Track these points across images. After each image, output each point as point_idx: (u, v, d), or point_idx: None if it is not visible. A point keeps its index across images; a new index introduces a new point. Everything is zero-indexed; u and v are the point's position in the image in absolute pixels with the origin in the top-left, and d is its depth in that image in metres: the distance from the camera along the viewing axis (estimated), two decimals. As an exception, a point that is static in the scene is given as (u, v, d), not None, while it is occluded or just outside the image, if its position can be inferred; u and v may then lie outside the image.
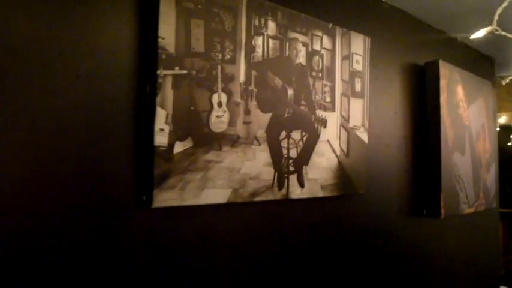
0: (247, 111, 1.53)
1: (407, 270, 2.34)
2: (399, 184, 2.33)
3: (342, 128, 1.90)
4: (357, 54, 1.98)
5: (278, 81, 1.62)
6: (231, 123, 1.48)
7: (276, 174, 1.61)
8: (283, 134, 1.65)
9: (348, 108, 1.93)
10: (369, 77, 2.05)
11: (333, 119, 1.85)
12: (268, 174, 1.58)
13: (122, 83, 1.26)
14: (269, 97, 1.59)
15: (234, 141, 1.48)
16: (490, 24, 2.68)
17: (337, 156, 1.86)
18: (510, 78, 4.24)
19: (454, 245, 2.74)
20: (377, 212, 2.15)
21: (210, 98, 1.42)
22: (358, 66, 1.99)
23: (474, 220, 2.91)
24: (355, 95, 1.97)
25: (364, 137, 2.01)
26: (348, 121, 1.93)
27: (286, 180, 1.65)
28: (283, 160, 1.65)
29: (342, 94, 1.90)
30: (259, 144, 1.56)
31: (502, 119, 5.13)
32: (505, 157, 3.51)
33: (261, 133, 1.57)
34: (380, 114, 2.20)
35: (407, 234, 2.36)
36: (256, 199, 1.54)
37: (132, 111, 1.28)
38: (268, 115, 1.59)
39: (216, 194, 1.42)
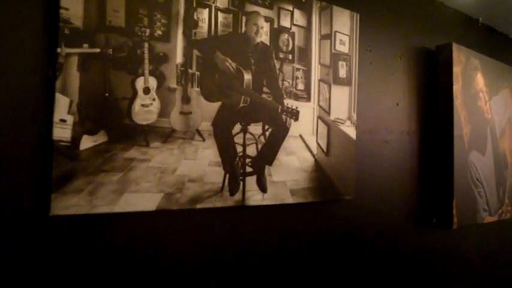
0: (187, 99, 1.26)
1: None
2: (402, 188, 2.00)
3: (320, 121, 1.60)
4: (341, 33, 1.68)
5: (230, 64, 1.35)
6: (163, 113, 1.22)
7: (227, 176, 1.34)
8: (238, 127, 1.38)
9: (328, 97, 1.63)
10: (358, 61, 1.74)
11: (307, 110, 1.56)
12: (215, 176, 1.31)
13: (21, 65, 1.02)
14: (218, 83, 1.32)
15: (166, 136, 1.22)
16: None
17: (313, 154, 1.57)
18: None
19: (473, 258, 2.37)
20: (372, 222, 1.83)
21: (133, 83, 1.17)
22: (343, 48, 1.68)
23: (498, 230, 2.52)
24: (338, 81, 1.67)
25: (351, 132, 1.71)
26: (328, 113, 1.63)
27: (241, 183, 1.38)
28: (238, 159, 1.37)
29: (321, 80, 1.61)
30: (203, 140, 1.29)
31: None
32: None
33: (205, 126, 1.30)
34: (376, 105, 1.89)
35: (412, 247, 2.03)
36: (199, 206, 1.28)
37: (34, 100, 1.04)
38: (216, 104, 1.32)
39: (140, 200, 1.17)
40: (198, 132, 1.28)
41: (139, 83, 1.18)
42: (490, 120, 2.38)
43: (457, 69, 2.15)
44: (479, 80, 2.32)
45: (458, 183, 2.08)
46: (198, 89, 1.28)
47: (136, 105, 1.17)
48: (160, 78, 1.21)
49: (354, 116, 1.72)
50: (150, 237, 1.20)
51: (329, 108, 1.63)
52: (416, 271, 2.04)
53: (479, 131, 2.28)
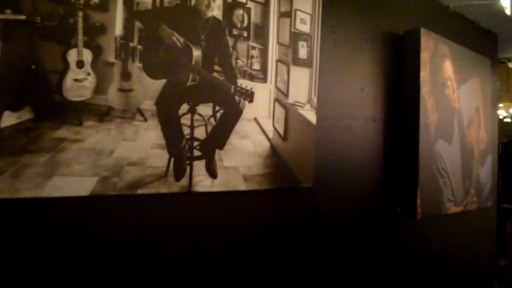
0: (127, 76, 1.18)
1: (377, 279, 1.99)
2: (365, 177, 1.97)
3: (277, 103, 1.54)
4: (302, 11, 1.61)
5: (178, 38, 1.27)
6: (99, 90, 1.13)
7: (173, 159, 1.26)
8: (185, 107, 1.30)
9: (287, 79, 1.57)
10: (321, 42, 1.68)
11: (263, 92, 1.49)
12: (159, 159, 1.24)
13: None
14: (163, 58, 1.24)
15: (103, 115, 1.14)
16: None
17: (269, 139, 1.51)
18: (520, 59, 3.82)
19: (437, 248, 2.37)
20: (333, 211, 1.79)
21: (64, 55, 1.08)
22: (303, 27, 1.62)
23: (463, 221, 2.53)
24: (298, 63, 1.60)
25: (311, 116, 1.65)
26: (286, 95, 1.57)
27: (188, 167, 1.30)
28: (184, 142, 1.30)
29: (279, 61, 1.54)
30: (145, 120, 1.21)
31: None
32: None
33: (148, 105, 1.22)
34: (339, 90, 1.83)
35: (376, 237, 2.00)
36: (140, 192, 1.20)
37: None
38: (161, 82, 1.24)
39: (72, 184, 1.08)
40: (140, 111, 1.20)
41: (72, 56, 1.09)
42: (457, 110, 2.36)
43: (425, 56, 2.12)
44: (448, 67, 2.30)
45: (423, 173, 2.06)
46: (140, 65, 1.20)
47: (68, 80, 1.08)
48: (97, 51, 1.13)
49: (315, 99, 1.66)
50: (83, 225, 1.12)
51: (287, 90, 1.57)
52: (380, 262, 2.01)
53: (447, 120, 2.27)
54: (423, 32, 2.11)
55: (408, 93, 2.11)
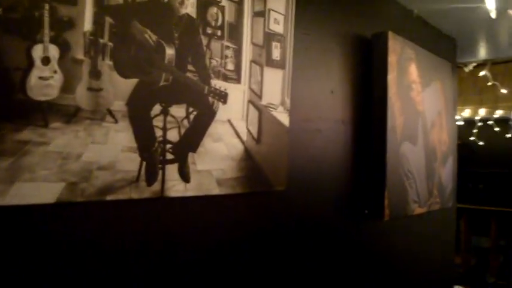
0: (96, 74, 1.11)
1: (348, 280, 1.99)
2: (336, 179, 1.97)
3: (251, 105, 1.50)
4: (275, 11, 1.58)
5: (150, 36, 1.21)
6: (67, 89, 1.06)
7: (144, 163, 1.20)
8: (158, 109, 1.24)
9: (260, 80, 1.54)
10: (294, 43, 1.66)
11: (237, 93, 1.45)
12: (130, 163, 1.17)
13: None
14: (134, 56, 1.18)
15: (70, 115, 1.06)
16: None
17: (242, 141, 1.47)
18: (473, 64, 3.96)
19: (403, 248, 2.41)
20: (304, 214, 1.78)
21: (28, 51, 1.00)
22: (277, 28, 1.59)
23: (427, 221, 2.58)
24: (271, 64, 1.57)
25: (284, 118, 1.63)
26: (260, 97, 1.54)
27: (160, 172, 1.24)
28: (157, 145, 1.24)
29: (253, 61, 1.51)
30: (116, 122, 1.14)
31: (466, 113, 4.92)
32: (468, 152, 3.25)
33: (119, 106, 1.15)
34: (310, 92, 1.82)
35: (344, 239, 2.00)
36: (110, 198, 1.13)
37: None
38: (132, 81, 1.18)
39: (37, 190, 1.00)
40: (110, 112, 1.13)
41: (37, 52, 1.01)
42: (422, 112, 2.41)
43: (392, 59, 2.14)
44: (413, 70, 2.34)
45: (390, 175, 2.08)
46: (111, 63, 1.13)
47: (33, 78, 1.00)
48: (64, 47, 1.05)
49: (288, 101, 1.64)
50: (48, 235, 1.04)
51: (261, 91, 1.54)
52: (349, 263, 2.02)
53: (412, 123, 2.31)
54: (391, 35, 2.14)
55: (376, 96, 2.13)
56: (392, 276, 2.33)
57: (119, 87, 1.15)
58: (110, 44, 1.13)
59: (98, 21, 1.11)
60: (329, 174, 1.93)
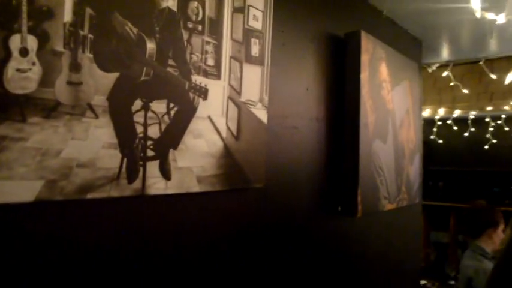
0: (76, 67, 1.07)
1: (322, 277, 2.00)
2: (310, 176, 1.98)
3: (230, 101, 1.49)
4: (254, 7, 1.58)
5: (131, 29, 1.17)
6: (45, 82, 1.01)
7: (125, 160, 1.17)
8: (138, 104, 1.21)
9: (240, 76, 1.52)
10: (272, 40, 1.66)
11: (217, 89, 1.44)
12: (110, 160, 1.13)
13: None
14: (115, 49, 1.14)
15: (49, 110, 1.02)
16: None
17: (222, 138, 1.45)
18: (437, 65, 4.09)
19: (374, 244, 2.46)
20: (280, 211, 1.78)
21: (5, 41, 0.95)
22: (256, 24, 1.59)
23: (396, 217, 2.65)
24: (250, 60, 1.57)
25: (263, 115, 1.62)
26: (239, 93, 1.52)
27: (141, 169, 1.21)
28: (138, 141, 1.20)
29: (232, 57, 1.49)
30: (97, 117, 1.11)
31: (426, 112, 5.08)
32: (428, 150, 3.36)
33: (99, 100, 1.11)
34: (287, 89, 1.82)
35: (319, 235, 2.02)
36: (91, 196, 1.09)
37: None
38: (113, 75, 1.14)
39: (14, 188, 0.95)
40: (90, 107, 1.09)
41: (15, 42, 0.96)
42: (391, 111, 2.47)
43: (364, 58, 2.17)
44: (384, 70, 2.39)
45: (363, 172, 2.12)
46: (91, 56, 1.09)
47: (10, 70, 0.95)
48: (43, 38, 1.00)
49: (266, 98, 1.64)
50: (26, 234, 0.99)
51: (240, 88, 1.53)
52: (323, 259, 2.03)
53: (382, 120, 2.35)
54: (363, 35, 2.17)
55: (349, 94, 2.16)
56: (364, 270, 2.37)
57: (99, 81, 1.11)
58: (90, 36, 1.09)
59: (78, 12, 1.06)
60: (305, 172, 1.94)
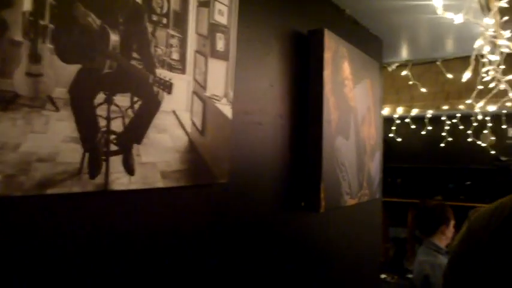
0: (36, 58, 1.03)
1: (285, 272, 2.02)
2: (274, 172, 2.00)
3: (195, 96, 1.48)
4: (220, 2, 1.57)
5: (94, 20, 1.15)
6: (3, 73, 0.97)
7: (87, 155, 1.14)
8: (101, 97, 1.18)
9: (205, 71, 1.52)
10: (237, 36, 1.66)
11: (182, 84, 1.43)
12: (72, 154, 1.11)
13: None
14: (77, 41, 1.11)
15: (7, 102, 0.98)
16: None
17: (187, 133, 1.44)
18: (396, 64, 4.21)
19: (336, 239, 2.51)
20: (244, 206, 1.79)
21: (-41, 29, 0.90)
22: (221, 19, 1.58)
23: (357, 212, 2.71)
24: (216, 55, 1.56)
25: (228, 111, 1.62)
26: (204, 88, 1.52)
27: (104, 164, 1.19)
28: (100, 135, 1.18)
29: (197, 52, 1.48)
30: (57, 110, 1.07)
31: (385, 111, 5.22)
32: (386, 148, 3.46)
33: (60, 93, 1.08)
34: (251, 85, 1.83)
35: (282, 231, 2.04)
36: (51, 191, 1.06)
37: None
38: (75, 67, 1.11)
39: (-31, 184, 0.91)
40: (51, 99, 1.06)
41: (-31, 31, 0.92)
42: (353, 108, 2.52)
43: (327, 55, 2.21)
44: (346, 67, 2.44)
45: (326, 168, 2.15)
46: (52, 46, 1.06)
47: (-36, 59, 0.91)
48: (1, 27, 0.96)
49: (231, 93, 1.64)
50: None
51: (205, 83, 1.52)
52: (286, 254, 2.06)
53: (345, 117, 2.40)
54: (326, 32, 2.20)
55: (313, 91, 2.19)
56: (326, 265, 2.41)
57: (60, 73, 1.08)
58: (51, 26, 1.05)
59: (38, 1, 1.03)
60: (269, 168, 1.95)
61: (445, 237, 3.01)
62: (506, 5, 1.85)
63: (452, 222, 3.08)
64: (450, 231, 3.05)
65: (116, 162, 1.22)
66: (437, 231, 3.03)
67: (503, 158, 5.47)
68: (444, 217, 3.07)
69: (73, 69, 1.11)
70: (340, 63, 2.35)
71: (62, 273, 1.11)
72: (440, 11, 1.68)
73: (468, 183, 5.69)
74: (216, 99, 1.57)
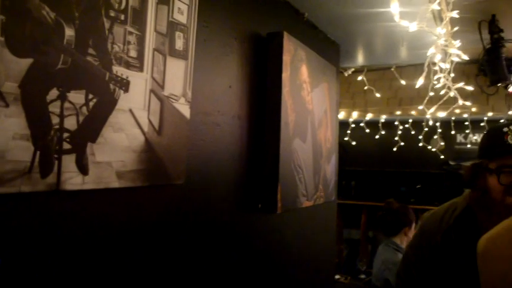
0: (-15, 50, 0.99)
1: (242, 272, 2.03)
2: (231, 174, 2.00)
3: (153, 95, 1.46)
4: (180, 0, 1.56)
5: (48, 13, 1.11)
6: None
7: (38, 153, 1.10)
8: (54, 93, 1.14)
9: (163, 70, 1.50)
10: (196, 35, 1.65)
11: (139, 82, 1.40)
12: (22, 152, 1.06)
13: None
14: (30, 34, 1.07)
15: (-48, 95, 0.93)
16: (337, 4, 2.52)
17: (144, 132, 1.42)
18: (352, 70, 4.31)
19: (292, 240, 2.54)
20: (201, 208, 1.78)
21: None
22: (181, 18, 1.57)
23: (313, 214, 2.76)
24: (174, 54, 1.55)
25: (186, 110, 1.61)
26: (162, 87, 1.50)
27: (56, 163, 1.15)
28: (53, 133, 1.14)
29: (156, 50, 1.46)
30: (7, 105, 1.03)
31: (341, 115, 5.33)
32: (341, 151, 3.54)
33: (11, 88, 1.04)
34: (210, 85, 1.83)
35: (239, 232, 2.04)
36: (-2, 190, 1.01)
37: None
38: (27, 61, 1.07)
39: None
40: (0, 94, 1.02)
41: None
42: (311, 111, 2.56)
43: (286, 58, 2.24)
44: (304, 71, 2.48)
45: (283, 170, 2.18)
46: (2, 39, 1.01)
47: None
48: None
49: (189, 93, 1.63)
50: None
51: (163, 82, 1.50)
52: (243, 256, 2.06)
53: (302, 120, 2.44)
54: (286, 35, 2.23)
55: (271, 93, 2.21)
56: (282, 266, 2.44)
57: (10, 67, 1.03)
58: (2, 17, 1.01)
59: (-13, -9, 0.99)
60: (226, 169, 1.95)
61: (407, 238, 3.13)
62: (457, 16, 1.94)
63: (414, 225, 3.19)
64: (412, 232, 3.16)
65: (69, 161, 1.19)
66: (400, 232, 3.15)
67: (452, 163, 5.71)
68: (407, 219, 3.20)
69: (25, 63, 1.07)
70: (298, 66, 2.38)
71: (9, 277, 1.07)
72: (397, 18, 1.74)
73: (419, 186, 5.90)
74: (174, 99, 1.55)
